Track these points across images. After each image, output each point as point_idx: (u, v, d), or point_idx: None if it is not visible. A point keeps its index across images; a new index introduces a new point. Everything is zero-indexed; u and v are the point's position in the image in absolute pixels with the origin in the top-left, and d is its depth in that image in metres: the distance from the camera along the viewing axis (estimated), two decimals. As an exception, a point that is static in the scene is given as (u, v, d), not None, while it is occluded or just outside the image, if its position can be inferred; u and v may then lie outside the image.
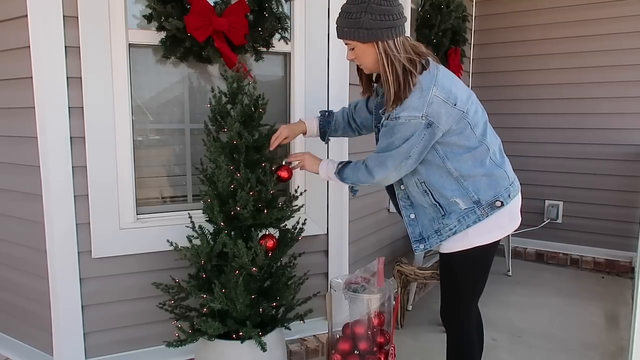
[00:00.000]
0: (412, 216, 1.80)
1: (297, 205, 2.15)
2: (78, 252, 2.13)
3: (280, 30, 2.27)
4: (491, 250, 1.75)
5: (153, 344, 2.30)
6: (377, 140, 1.79)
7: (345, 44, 1.65)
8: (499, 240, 1.74)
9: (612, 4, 3.80)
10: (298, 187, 2.44)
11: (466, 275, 1.76)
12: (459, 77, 3.47)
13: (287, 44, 2.37)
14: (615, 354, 2.65)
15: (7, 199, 2.32)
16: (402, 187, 1.80)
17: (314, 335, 2.61)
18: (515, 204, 1.72)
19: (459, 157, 1.63)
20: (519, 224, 1.77)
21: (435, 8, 3.29)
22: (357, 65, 1.73)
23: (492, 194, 1.65)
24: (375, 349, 2.09)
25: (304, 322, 2.10)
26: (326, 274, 2.67)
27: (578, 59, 3.97)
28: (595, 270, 4.00)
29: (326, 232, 2.64)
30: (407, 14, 3.06)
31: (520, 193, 1.75)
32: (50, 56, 2.00)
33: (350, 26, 1.57)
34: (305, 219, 2.23)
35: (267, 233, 2.01)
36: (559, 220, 4.18)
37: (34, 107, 2.06)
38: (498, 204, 1.65)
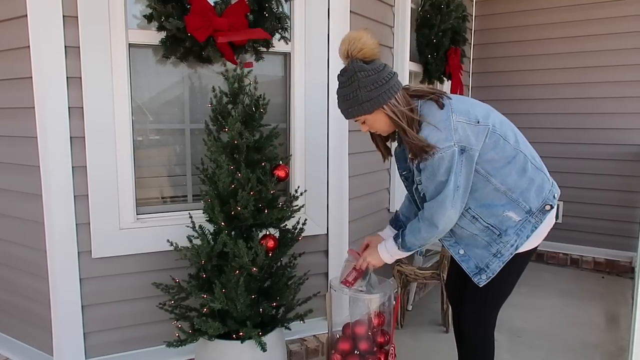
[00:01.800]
0: (462, 252, 1.75)
1: (297, 205, 2.15)
2: (78, 252, 2.13)
3: (280, 30, 2.27)
4: (530, 254, 1.73)
5: (153, 344, 2.30)
6: (411, 182, 1.77)
7: (355, 121, 1.70)
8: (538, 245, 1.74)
9: (612, 4, 3.81)
10: (298, 187, 2.44)
11: (512, 279, 1.75)
12: (458, 76, 3.52)
13: (287, 44, 2.37)
14: (615, 354, 2.65)
15: (7, 199, 2.32)
16: None
17: (314, 335, 2.61)
18: (556, 204, 1.72)
19: (501, 170, 1.62)
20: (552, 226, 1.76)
21: (435, 8, 3.30)
22: (372, 133, 1.78)
23: (540, 200, 1.65)
24: (375, 349, 2.09)
25: (304, 322, 2.10)
26: (326, 274, 2.67)
27: (578, 59, 3.97)
28: (596, 270, 4.00)
29: (326, 232, 2.64)
30: (407, 14, 3.06)
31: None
32: (50, 56, 2.00)
33: (353, 105, 1.63)
34: (306, 219, 2.23)
35: (267, 233, 2.01)
36: (559, 220, 4.18)
37: (33, 107, 2.06)
38: (548, 207, 1.66)
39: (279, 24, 2.24)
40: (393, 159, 1.91)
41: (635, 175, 3.86)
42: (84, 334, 2.19)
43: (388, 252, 1.79)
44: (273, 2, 2.21)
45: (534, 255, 1.77)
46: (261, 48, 2.24)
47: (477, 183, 1.62)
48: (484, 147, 1.59)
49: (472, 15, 4.31)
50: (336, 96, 1.69)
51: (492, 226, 1.65)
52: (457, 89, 3.55)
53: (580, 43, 3.95)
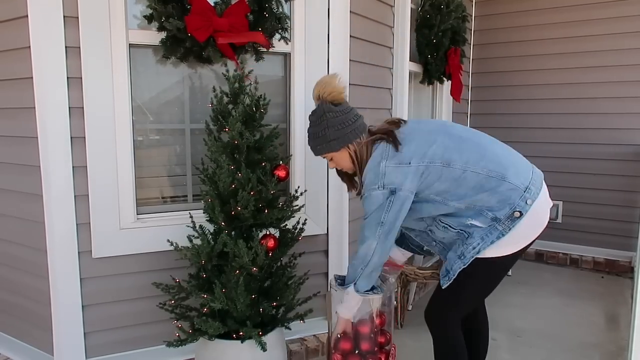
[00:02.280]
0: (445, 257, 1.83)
1: (297, 205, 2.16)
2: (78, 252, 2.14)
3: (280, 31, 2.27)
4: (511, 261, 1.74)
5: (153, 344, 2.30)
6: None
7: (323, 157, 1.84)
8: (519, 251, 1.72)
9: (613, 4, 3.81)
10: (298, 187, 2.44)
11: (479, 282, 1.76)
12: (458, 76, 3.53)
13: (287, 44, 2.37)
14: (614, 354, 2.66)
15: (8, 199, 2.32)
16: (429, 234, 1.82)
17: (314, 335, 2.61)
18: (537, 208, 1.67)
19: (455, 192, 1.67)
20: (545, 225, 1.73)
21: (435, 8, 3.29)
22: (338, 171, 1.92)
23: (507, 208, 1.64)
24: (375, 349, 2.09)
25: (304, 322, 2.10)
26: (326, 274, 2.67)
27: (578, 59, 3.97)
28: (595, 270, 4.01)
29: (326, 232, 2.64)
30: (407, 14, 3.07)
31: (542, 192, 1.70)
32: (51, 56, 2.00)
33: (322, 143, 1.77)
34: (306, 219, 2.23)
35: (267, 233, 2.01)
36: (559, 220, 4.18)
37: (34, 107, 2.06)
38: (517, 214, 1.64)
39: (279, 24, 2.24)
40: None
41: (636, 175, 3.86)
42: (84, 333, 2.19)
43: (351, 303, 1.81)
44: (273, 3, 2.22)
45: (514, 261, 1.74)
46: (261, 48, 2.24)
47: (438, 206, 1.71)
48: (426, 182, 1.67)
49: (471, 16, 4.31)
50: (307, 134, 1.83)
51: (461, 230, 1.72)
52: (457, 89, 3.55)
53: (580, 43, 3.95)
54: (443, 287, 1.76)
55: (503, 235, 1.65)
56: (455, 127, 1.80)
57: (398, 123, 1.79)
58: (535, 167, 1.77)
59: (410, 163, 1.66)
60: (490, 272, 1.76)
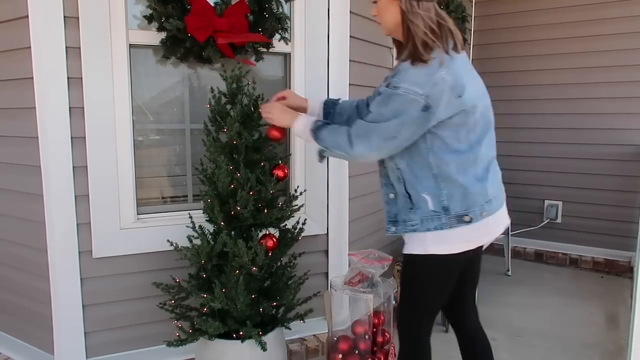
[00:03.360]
0: (392, 196, 1.66)
1: (297, 205, 2.16)
2: (79, 252, 2.14)
3: (280, 31, 2.27)
4: (454, 264, 1.60)
5: (153, 344, 2.31)
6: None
7: None
8: (467, 253, 1.58)
9: (616, 4, 3.80)
10: (298, 187, 2.44)
11: (421, 284, 1.64)
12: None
13: (287, 44, 2.38)
14: (614, 354, 2.66)
15: (8, 199, 2.32)
16: (383, 165, 1.68)
17: (314, 335, 2.62)
18: (489, 222, 1.57)
19: (444, 155, 1.52)
20: (492, 239, 1.65)
21: (434, 8, 3.30)
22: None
23: (463, 207, 1.53)
24: (375, 348, 2.10)
25: (304, 322, 2.10)
26: (326, 274, 2.67)
27: (577, 59, 3.97)
28: (595, 270, 4.01)
29: (326, 232, 2.64)
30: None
31: (501, 211, 1.63)
32: (51, 57, 2.00)
33: None
34: (305, 219, 2.23)
35: (267, 233, 2.01)
36: (559, 220, 4.19)
37: (34, 108, 2.06)
38: (467, 218, 1.53)
39: (279, 24, 2.25)
40: None
41: (635, 175, 3.86)
42: (84, 333, 2.19)
43: (304, 126, 1.68)
44: (273, 3, 2.22)
45: (463, 264, 1.62)
46: (261, 48, 2.25)
47: (417, 149, 1.53)
48: (445, 123, 1.48)
49: (471, 16, 4.32)
50: None
51: (410, 197, 1.58)
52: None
53: (579, 43, 3.94)
54: (387, 234, 1.66)
55: (441, 228, 1.54)
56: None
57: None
58: (503, 189, 1.69)
59: (460, 96, 1.45)
60: (438, 271, 1.62)
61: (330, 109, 1.91)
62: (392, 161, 1.61)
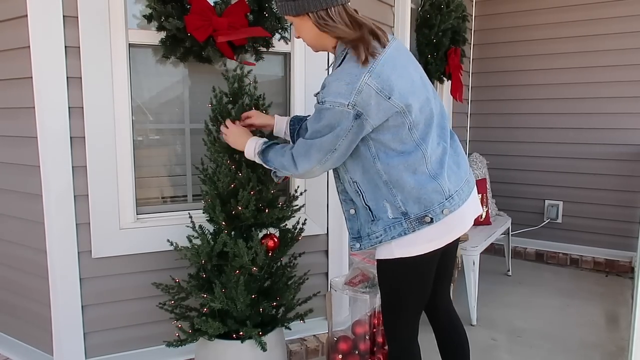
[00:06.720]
0: (352, 212, 1.65)
1: (297, 205, 2.15)
2: (78, 252, 2.13)
3: (280, 30, 2.27)
4: (423, 264, 1.57)
5: (153, 344, 2.30)
6: None
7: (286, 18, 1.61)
8: (435, 251, 1.56)
9: (617, 3, 3.80)
10: (298, 187, 2.44)
11: (395, 287, 1.62)
12: (458, 76, 3.52)
13: (287, 44, 2.37)
14: (615, 354, 2.66)
15: (8, 199, 2.32)
16: (340, 180, 1.67)
17: (314, 335, 2.61)
18: (452, 218, 1.53)
19: (390, 159, 1.49)
20: (459, 235, 1.61)
21: (435, 8, 3.30)
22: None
23: (421, 208, 1.50)
24: (375, 348, 2.09)
25: (304, 322, 2.10)
26: (326, 274, 2.67)
27: (578, 59, 3.97)
28: (595, 270, 4.00)
29: (326, 232, 2.64)
30: (407, 14, 3.06)
31: (467, 204, 1.57)
32: (50, 56, 2.00)
33: (282, 0, 1.51)
34: (306, 219, 2.23)
35: (268, 233, 2.01)
36: (559, 220, 4.18)
37: (34, 107, 2.06)
38: (427, 219, 1.50)
39: (279, 24, 2.24)
40: None
41: (635, 175, 3.85)
42: (84, 333, 2.19)
43: (253, 150, 1.71)
44: (273, 2, 2.21)
45: (434, 261, 1.59)
46: (261, 48, 2.24)
47: (365, 159, 1.52)
48: (383, 127, 1.45)
49: (472, 15, 4.31)
50: None
51: (370, 209, 1.57)
52: (457, 88, 3.55)
53: (579, 43, 3.94)
54: (352, 252, 1.64)
55: (405, 234, 1.51)
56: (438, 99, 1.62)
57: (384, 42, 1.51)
58: (471, 176, 1.65)
59: (390, 97, 1.41)
60: (409, 273, 1.59)
61: (297, 125, 1.87)
62: (347, 174, 1.61)
